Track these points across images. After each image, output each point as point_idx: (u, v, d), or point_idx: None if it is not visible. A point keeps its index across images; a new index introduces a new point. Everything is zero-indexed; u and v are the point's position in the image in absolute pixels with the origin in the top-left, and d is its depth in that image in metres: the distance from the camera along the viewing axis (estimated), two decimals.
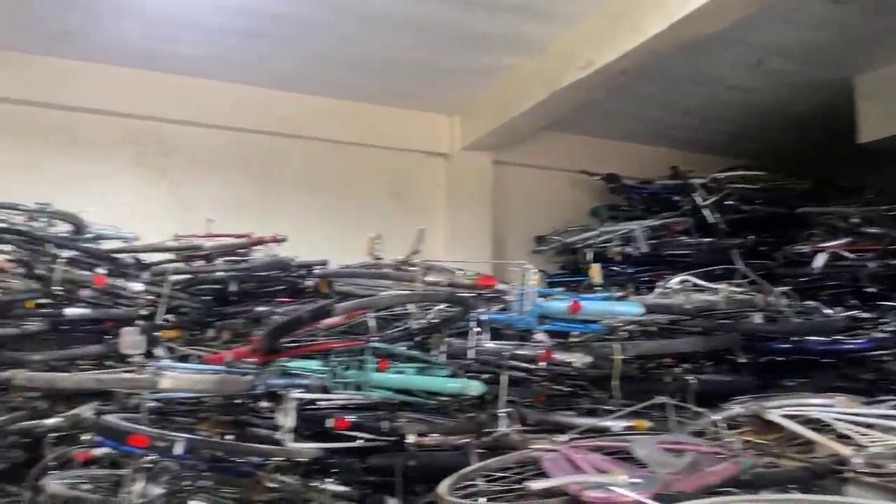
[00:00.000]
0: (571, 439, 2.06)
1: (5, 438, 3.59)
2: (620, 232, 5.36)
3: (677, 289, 3.12)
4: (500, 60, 5.12)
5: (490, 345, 2.75)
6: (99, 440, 3.00)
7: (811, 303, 3.48)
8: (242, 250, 4.48)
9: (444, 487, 2.01)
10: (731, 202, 5.39)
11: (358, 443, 2.70)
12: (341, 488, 2.61)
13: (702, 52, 4.79)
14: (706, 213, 5.31)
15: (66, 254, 3.78)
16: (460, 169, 6.33)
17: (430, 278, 2.35)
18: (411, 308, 2.54)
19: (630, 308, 2.67)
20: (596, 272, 3.64)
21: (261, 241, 4.38)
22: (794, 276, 4.57)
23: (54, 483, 2.94)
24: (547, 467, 1.86)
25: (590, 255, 5.47)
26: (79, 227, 4.03)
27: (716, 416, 2.16)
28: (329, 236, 5.85)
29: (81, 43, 4.92)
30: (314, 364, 3.05)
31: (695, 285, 3.20)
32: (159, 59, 5.16)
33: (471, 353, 2.67)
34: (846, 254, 4.40)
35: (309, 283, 4.42)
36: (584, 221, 6.26)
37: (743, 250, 4.94)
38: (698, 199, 5.36)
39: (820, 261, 4.30)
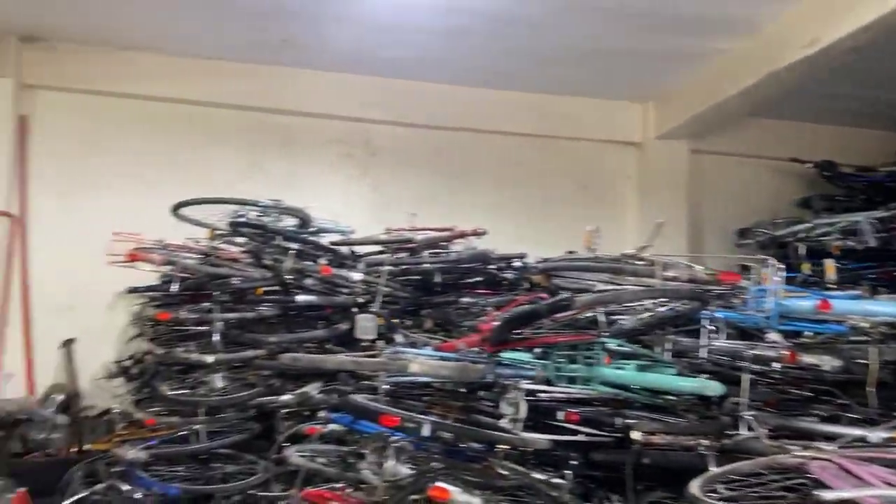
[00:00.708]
0: (841, 447, 1.91)
1: (245, 411, 4.01)
2: (840, 224, 4.89)
3: None
4: (705, 44, 4.86)
5: (723, 344, 2.62)
6: (333, 417, 3.25)
7: None
8: (444, 243, 4.65)
9: (696, 489, 1.94)
10: None
11: (579, 437, 2.71)
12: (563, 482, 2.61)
13: None
14: None
15: (294, 246, 4.14)
16: (653, 158, 6.12)
17: (668, 273, 2.29)
18: (646, 304, 2.49)
19: (890, 308, 2.42)
20: (831, 269, 3.34)
21: (463, 235, 4.53)
22: None
23: (295, 455, 3.22)
24: (821, 477, 1.74)
25: (802, 250, 5.06)
26: (304, 221, 4.37)
27: None
28: (518, 228, 5.92)
29: (298, 51, 5.32)
30: (525, 356, 3.10)
31: None
32: (368, 63, 5.47)
33: (703, 353, 2.57)
34: None
35: (508, 275, 4.51)
36: (788, 213, 5.81)
37: None
38: None
39: None
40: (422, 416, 2.29)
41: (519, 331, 2.53)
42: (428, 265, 4.37)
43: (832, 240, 4.87)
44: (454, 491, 2.22)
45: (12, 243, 5.29)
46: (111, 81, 5.44)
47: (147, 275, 4.38)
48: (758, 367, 2.59)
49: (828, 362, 2.42)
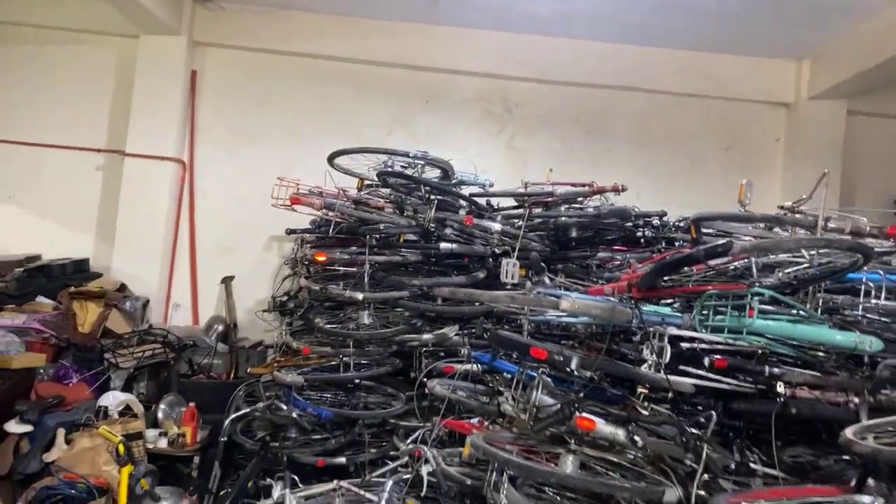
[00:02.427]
0: None
1: (388, 347, 4.30)
2: None
3: None
4: None
5: (882, 302, 2.54)
6: (475, 355, 3.43)
7: None
8: (581, 198, 4.68)
9: (850, 434, 1.96)
10: None
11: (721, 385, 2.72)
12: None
13: None
14: None
15: (438, 196, 4.32)
16: (805, 120, 5.81)
17: (831, 225, 2.25)
18: (803, 255, 2.45)
19: None
20: None
21: (602, 190, 4.53)
22: None
23: (438, 387, 3.44)
24: None
25: None
26: (447, 172, 4.54)
27: None
28: (656, 187, 5.86)
29: (444, 9, 5.45)
30: (664, 309, 3.12)
31: None
32: (512, 20, 5.50)
33: (861, 310, 2.50)
34: None
35: (646, 232, 4.49)
36: None
37: None
38: None
39: None
40: (570, 351, 2.40)
41: (671, 277, 2.56)
42: (566, 219, 4.43)
43: None
44: (599, 422, 2.33)
45: (181, 188, 5.85)
46: (271, 39, 5.83)
47: (297, 219, 4.74)
48: None
49: None
